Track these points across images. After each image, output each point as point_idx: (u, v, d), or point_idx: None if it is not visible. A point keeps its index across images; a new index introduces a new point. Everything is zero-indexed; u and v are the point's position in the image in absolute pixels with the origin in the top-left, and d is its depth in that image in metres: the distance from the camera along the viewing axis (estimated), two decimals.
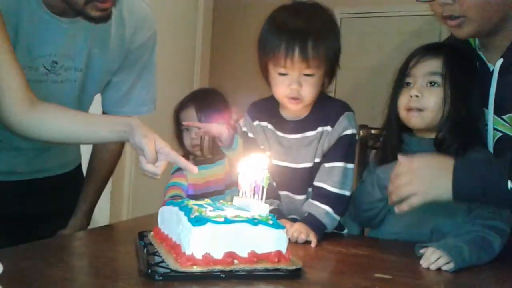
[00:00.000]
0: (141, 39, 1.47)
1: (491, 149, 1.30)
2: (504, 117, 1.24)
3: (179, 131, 1.61)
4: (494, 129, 1.27)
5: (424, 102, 1.27)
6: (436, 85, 1.27)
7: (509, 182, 1.03)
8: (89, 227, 1.55)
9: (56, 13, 1.25)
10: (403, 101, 1.30)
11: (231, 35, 4.17)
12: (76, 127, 1.19)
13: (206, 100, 1.64)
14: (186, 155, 1.62)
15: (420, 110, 1.27)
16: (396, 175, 1.11)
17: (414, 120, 1.29)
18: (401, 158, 1.12)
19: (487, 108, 1.28)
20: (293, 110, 1.31)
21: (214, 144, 1.58)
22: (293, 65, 1.22)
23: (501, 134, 1.27)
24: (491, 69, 1.26)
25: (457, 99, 1.26)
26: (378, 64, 4.16)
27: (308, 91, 1.26)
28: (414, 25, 4.18)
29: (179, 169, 1.59)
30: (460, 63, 1.28)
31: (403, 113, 1.30)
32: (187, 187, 1.57)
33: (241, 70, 3.98)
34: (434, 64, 1.28)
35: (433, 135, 1.29)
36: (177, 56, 3.16)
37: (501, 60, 1.24)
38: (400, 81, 1.33)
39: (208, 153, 1.58)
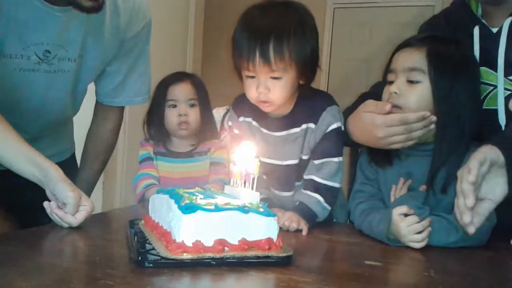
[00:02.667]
0: (136, 29, 1.46)
1: (501, 107, 1.28)
2: (510, 77, 1.26)
3: (161, 108, 1.55)
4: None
5: (403, 100, 1.20)
6: (416, 82, 1.20)
7: None
8: None
9: (48, 1, 1.23)
10: (384, 97, 1.26)
11: (223, 24, 4.15)
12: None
13: (196, 76, 1.62)
14: (162, 137, 1.55)
15: (399, 107, 1.21)
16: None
17: None
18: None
19: (491, 69, 1.28)
20: (266, 111, 1.28)
21: (203, 126, 1.55)
22: (256, 69, 1.18)
23: (509, 92, 1.28)
24: (494, 31, 1.28)
25: (442, 95, 1.19)
26: (370, 54, 4.17)
27: (278, 94, 1.22)
28: (406, 16, 4.19)
29: (148, 158, 1.56)
30: (445, 56, 1.22)
31: None
32: (159, 179, 1.52)
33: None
34: (414, 59, 1.22)
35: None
36: (169, 47, 3.15)
37: (510, 19, 1.25)
38: (385, 78, 1.28)
39: (195, 132, 1.54)
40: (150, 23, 1.51)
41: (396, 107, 1.21)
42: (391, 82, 1.24)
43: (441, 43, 1.26)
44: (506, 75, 1.29)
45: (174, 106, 1.54)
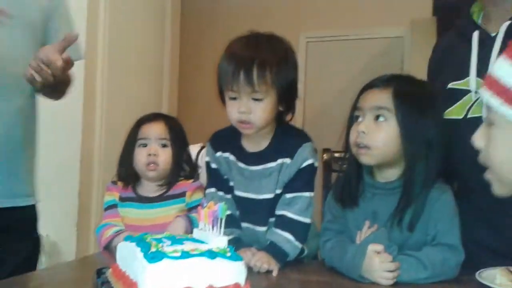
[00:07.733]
0: None
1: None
2: None
3: (131, 147, 1.51)
4: None
5: (371, 139, 1.22)
6: (383, 119, 1.22)
7: None
8: (54, 263, 1.51)
9: None
10: (352, 136, 1.26)
11: (199, 61, 4.19)
12: None
13: (173, 118, 1.61)
14: (131, 179, 1.51)
15: (368, 147, 1.22)
16: None
17: (362, 157, 1.24)
18: None
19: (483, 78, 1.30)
20: (246, 134, 1.33)
21: (174, 168, 1.51)
22: (239, 88, 1.23)
23: None
24: (493, 35, 1.32)
25: (409, 134, 1.21)
26: (345, 86, 4.24)
27: (258, 116, 1.26)
28: (377, 47, 4.29)
29: (113, 205, 1.50)
30: (411, 95, 1.24)
31: (353, 149, 1.26)
32: (123, 229, 1.44)
33: (210, 80, 4.00)
34: (381, 98, 1.23)
35: (394, 169, 1.25)
36: (144, 84, 3.15)
37: (508, 23, 1.29)
38: (352, 114, 1.29)
39: (164, 175, 1.49)
40: None
41: (364, 148, 1.23)
42: (358, 117, 1.27)
43: (406, 83, 1.29)
44: None
45: (145, 145, 1.50)
